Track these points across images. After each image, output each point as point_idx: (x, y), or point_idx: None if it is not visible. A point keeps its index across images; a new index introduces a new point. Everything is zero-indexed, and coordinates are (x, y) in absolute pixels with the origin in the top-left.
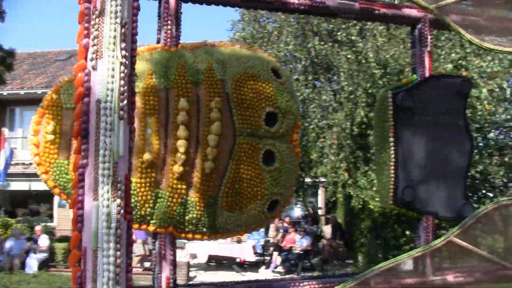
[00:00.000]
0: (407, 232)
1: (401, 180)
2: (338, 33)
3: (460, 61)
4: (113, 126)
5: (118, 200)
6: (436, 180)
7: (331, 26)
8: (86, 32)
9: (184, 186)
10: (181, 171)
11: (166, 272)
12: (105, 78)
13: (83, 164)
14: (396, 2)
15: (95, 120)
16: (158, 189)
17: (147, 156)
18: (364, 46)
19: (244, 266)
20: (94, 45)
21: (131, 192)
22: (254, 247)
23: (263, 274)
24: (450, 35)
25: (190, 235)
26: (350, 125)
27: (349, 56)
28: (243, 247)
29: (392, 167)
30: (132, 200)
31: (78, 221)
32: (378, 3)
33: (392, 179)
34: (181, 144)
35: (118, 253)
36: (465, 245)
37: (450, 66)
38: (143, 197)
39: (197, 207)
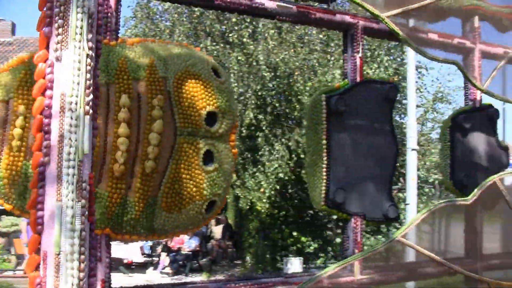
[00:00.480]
0: (294, 233)
1: (332, 182)
2: (230, 35)
3: None
4: (79, 122)
5: (83, 201)
6: (365, 182)
7: (224, 27)
8: (48, 20)
9: (123, 186)
10: (121, 170)
11: (101, 275)
12: (70, 70)
13: (44, 162)
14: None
15: (58, 114)
16: (96, 189)
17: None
18: (255, 48)
19: (131, 267)
20: (58, 34)
21: None
22: (141, 248)
23: (151, 275)
24: (340, 41)
25: (127, 236)
26: (239, 126)
27: (240, 58)
28: (130, 248)
29: (325, 169)
30: None
31: (38, 223)
32: (314, 8)
33: (324, 181)
34: (122, 142)
35: (83, 257)
36: (411, 244)
37: (338, 71)
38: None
39: (136, 208)
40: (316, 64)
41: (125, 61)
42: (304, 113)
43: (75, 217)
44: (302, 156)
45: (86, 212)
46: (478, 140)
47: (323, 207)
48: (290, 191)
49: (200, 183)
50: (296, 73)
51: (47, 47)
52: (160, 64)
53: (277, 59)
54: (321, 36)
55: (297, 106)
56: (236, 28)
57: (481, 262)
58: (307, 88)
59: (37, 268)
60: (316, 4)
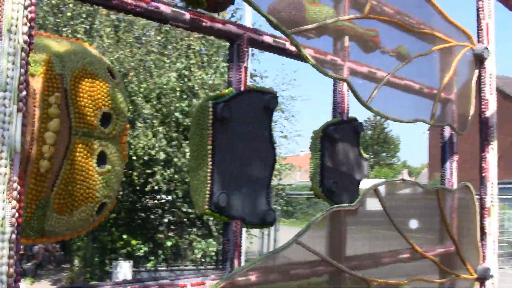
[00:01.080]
0: (124, 236)
1: (216, 186)
2: (64, 29)
3: (184, 71)
4: (12, 119)
5: (14, 202)
6: (246, 187)
7: (58, 20)
8: None
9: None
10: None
11: None
12: (4, 64)
13: None
14: None
15: None
16: None
17: None
18: (90, 45)
19: None
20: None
21: None
22: None
23: None
24: (178, 45)
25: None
26: None
27: None
28: None
29: (209, 174)
30: None
31: None
32: (206, 16)
33: (209, 185)
34: (49, 137)
35: (12, 261)
36: (307, 247)
37: (174, 74)
38: None
39: (28, 209)
40: (153, 66)
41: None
42: (137, 114)
43: (5, 219)
44: (134, 158)
45: (16, 214)
46: (344, 150)
47: (207, 211)
48: (121, 193)
49: (93, 185)
50: (131, 74)
51: None
52: (56, 60)
53: (112, 58)
54: (159, 38)
55: (131, 107)
56: (71, 22)
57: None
58: (142, 90)
59: None
60: (206, 12)
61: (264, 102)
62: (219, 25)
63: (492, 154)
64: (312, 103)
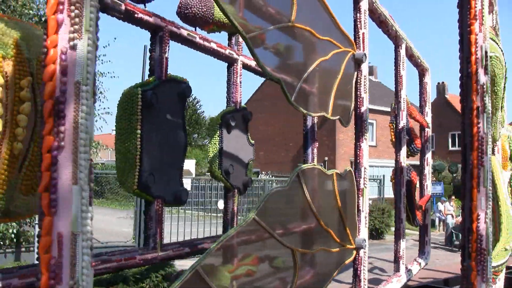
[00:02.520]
0: None
1: (144, 168)
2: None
3: None
4: (91, 110)
5: (91, 184)
6: (166, 170)
7: None
8: (61, 7)
9: None
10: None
11: None
12: (84, 60)
13: (58, 147)
14: None
15: (73, 102)
16: None
17: None
18: None
19: None
20: (74, 24)
21: None
22: None
23: None
24: None
25: None
26: None
27: None
28: None
29: (138, 156)
30: None
31: (52, 206)
32: (139, 9)
33: (138, 167)
34: None
35: (90, 236)
36: (262, 224)
37: None
38: None
39: (3, 190)
40: None
41: None
42: None
43: (89, 199)
44: None
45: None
46: (238, 136)
47: (136, 190)
48: None
49: None
50: None
51: (56, 33)
52: (23, 44)
53: None
54: None
55: None
56: None
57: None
58: None
59: (49, 249)
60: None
61: (180, 91)
62: (147, 17)
63: (365, 144)
64: (121, 81)
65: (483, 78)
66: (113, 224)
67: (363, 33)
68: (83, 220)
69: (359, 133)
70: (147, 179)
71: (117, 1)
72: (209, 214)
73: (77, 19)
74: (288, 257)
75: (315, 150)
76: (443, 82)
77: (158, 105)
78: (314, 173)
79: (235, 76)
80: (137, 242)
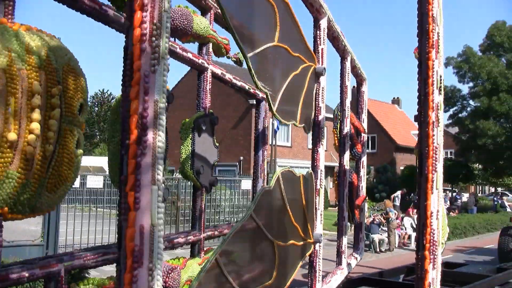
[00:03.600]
0: None
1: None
2: None
3: None
4: (164, 124)
5: (162, 184)
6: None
7: None
8: (144, 38)
9: (29, 168)
10: (31, 152)
11: None
12: (162, 82)
13: (141, 154)
14: None
15: (153, 117)
16: (9, 170)
17: (12, 135)
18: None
19: None
20: (154, 52)
21: None
22: None
23: None
24: None
25: (15, 216)
26: None
27: None
28: None
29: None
30: None
31: (136, 202)
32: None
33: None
34: (36, 127)
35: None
36: (257, 220)
37: None
38: None
39: (33, 188)
40: None
41: (29, 48)
42: None
43: (161, 196)
44: None
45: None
46: (205, 139)
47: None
48: None
49: (73, 167)
50: None
51: (139, 59)
52: (51, 54)
53: None
54: None
55: None
56: None
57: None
58: None
59: (133, 238)
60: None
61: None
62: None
63: (321, 149)
64: None
65: (437, 98)
66: (20, 222)
67: (322, 49)
68: (158, 214)
69: (316, 139)
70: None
71: (119, 14)
72: None
73: (156, 48)
74: (270, 249)
75: (265, 152)
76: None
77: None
78: (288, 175)
79: (205, 84)
80: (45, 241)
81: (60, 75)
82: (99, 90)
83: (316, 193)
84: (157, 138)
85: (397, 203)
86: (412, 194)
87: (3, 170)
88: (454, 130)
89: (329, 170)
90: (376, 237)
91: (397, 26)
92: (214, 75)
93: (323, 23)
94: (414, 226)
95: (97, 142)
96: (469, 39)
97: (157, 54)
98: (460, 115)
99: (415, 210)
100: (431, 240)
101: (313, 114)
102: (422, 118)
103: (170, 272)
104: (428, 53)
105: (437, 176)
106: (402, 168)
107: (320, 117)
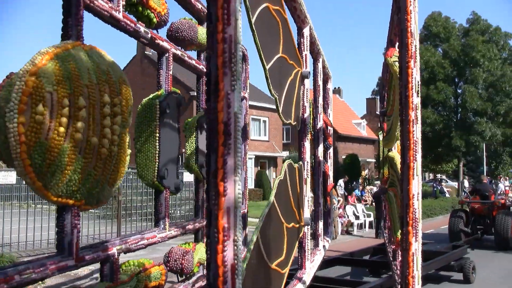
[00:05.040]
0: None
1: (161, 164)
2: None
3: None
4: (240, 128)
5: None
6: (171, 165)
7: None
8: (226, 64)
9: (102, 166)
10: (105, 153)
11: None
12: (239, 97)
13: (227, 153)
14: None
15: (234, 125)
16: (91, 169)
17: (95, 140)
18: None
19: None
20: (233, 75)
21: (74, 169)
22: None
23: None
24: None
25: (87, 207)
26: None
27: None
28: None
29: (157, 155)
30: (73, 177)
31: (224, 190)
32: (155, 34)
33: (157, 163)
34: (107, 132)
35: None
36: (276, 206)
37: None
38: (82, 174)
39: (101, 183)
40: None
41: (99, 66)
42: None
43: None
44: None
45: None
46: (205, 136)
47: (156, 182)
48: None
49: (126, 164)
50: None
51: (223, 81)
52: (111, 70)
53: None
54: None
55: None
56: None
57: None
58: None
59: (223, 218)
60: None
61: (177, 101)
62: (159, 41)
63: (307, 142)
64: None
65: (416, 100)
66: None
67: (306, 54)
68: (238, 199)
69: (303, 134)
70: (163, 173)
71: (145, 29)
72: None
73: (234, 72)
74: (282, 230)
75: (247, 146)
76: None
77: (168, 113)
78: (290, 167)
79: (203, 87)
80: None
81: (118, 87)
82: None
83: (304, 182)
84: (237, 141)
85: (342, 191)
86: (354, 183)
87: (86, 169)
88: None
89: (272, 160)
90: None
91: (336, 20)
92: None
93: (306, 31)
94: (356, 213)
95: None
96: None
97: (235, 77)
98: None
99: (353, 198)
100: (413, 218)
101: (300, 112)
102: (403, 117)
103: (185, 255)
104: (408, 63)
105: (417, 164)
106: (344, 157)
107: (306, 115)
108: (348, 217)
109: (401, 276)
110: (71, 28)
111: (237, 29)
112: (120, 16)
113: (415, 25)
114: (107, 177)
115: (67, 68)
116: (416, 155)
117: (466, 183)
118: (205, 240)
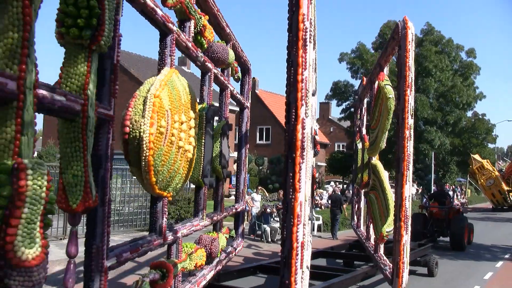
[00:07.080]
0: None
1: (205, 164)
2: None
3: None
4: (310, 145)
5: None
6: (209, 165)
7: None
8: (302, 99)
9: (187, 166)
10: (190, 156)
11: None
12: (311, 122)
13: (301, 162)
14: None
15: (307, 142)
16: (180, 169)
17: (188, 146)
18: None
19: None
20: (305, 105)
21: (175, 169)
22: None
23: None
24: None
25: (171, 198)
26: None
27: None
28: None
29: (202, 157)
30: (171, 175)
31: (300, 188)
32: (206, 58)
33: (202, 164)
34: (193, 140)
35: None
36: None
37: None
38: (176, 173)
39: (184, 180)
40: None
41: (185, 87)
42: None
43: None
44: None
45: None
46: (225, 141)
47: (200, 180)
48: None
49: (193, 165)
50: None
51: (299, 110)
52: (189, 89)
53: None
54: None
55: None
56: None
57: None
58: None
59: (296, 207)
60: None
61: (211, 111)
62: (207, 63)
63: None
64: None
65: (410, 121)
66: None
67: None
68: (306, 193)
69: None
70: (207, 172)
71: (201, 54)
72: None
73: (307, 103)
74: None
75: (247, 150)
76: (254, 78)
77: (210, 122)
78: None
79: (226, 99)
80: None
81: (194, 104)
82: None
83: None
84: (308, 153)
85: None
86: None
87: (179, 169)
88: (346, 124)
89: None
90: (267, 227)
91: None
92: (231, 93)
93: None
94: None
95: None
96: (362, 37)
97: (308, 107)
98: (352, 109)
99: None
100: (405, 215)
101: None
102: (400, 134)
103: (213, 241)
104: (405, 91)
105: (409, 173)
106: None
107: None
108: None
109: (393, 262)
110: (166, 57)
111: (309, 73)
112: (190, 45)
113: (412, 60)
114: (187, 175)
115: (173, 92)
116: (408, 165)
117: (414, 190)
118: (222, 230)
